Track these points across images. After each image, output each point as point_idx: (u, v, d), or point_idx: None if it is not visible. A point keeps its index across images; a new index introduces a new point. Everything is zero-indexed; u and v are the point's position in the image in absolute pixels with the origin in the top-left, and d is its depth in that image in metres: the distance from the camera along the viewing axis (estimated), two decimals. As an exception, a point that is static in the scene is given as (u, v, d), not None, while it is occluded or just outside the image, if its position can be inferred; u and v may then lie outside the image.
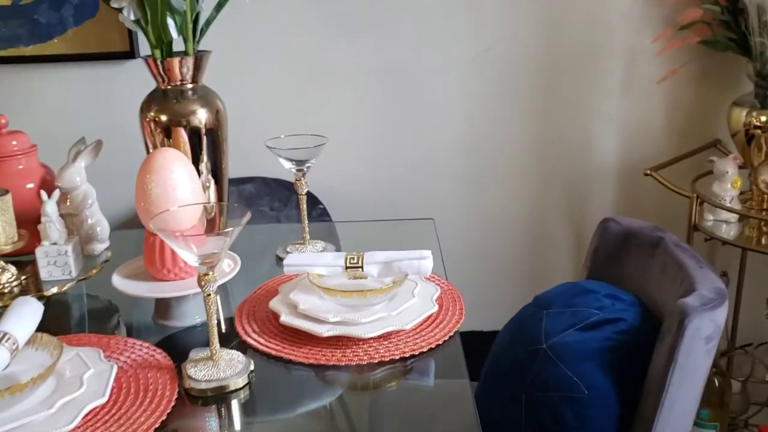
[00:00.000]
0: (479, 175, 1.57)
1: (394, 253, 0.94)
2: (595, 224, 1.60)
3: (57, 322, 0.96)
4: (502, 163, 1.56)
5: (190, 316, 0.96)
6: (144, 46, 1.47)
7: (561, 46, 1.48)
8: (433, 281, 0.99)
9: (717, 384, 1.35)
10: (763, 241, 1.35)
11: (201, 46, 1.08)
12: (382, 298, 0.89)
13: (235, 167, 1.23)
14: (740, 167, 1.36)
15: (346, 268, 0.94)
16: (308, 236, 1.14)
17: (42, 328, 0.81)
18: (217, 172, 1.12)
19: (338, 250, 1.16)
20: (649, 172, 1.36)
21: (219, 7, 1.08)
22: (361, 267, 0.94)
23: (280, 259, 1.10)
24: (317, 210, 1.45)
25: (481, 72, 1.50)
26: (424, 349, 0.82)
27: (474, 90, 1.51)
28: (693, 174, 1.43)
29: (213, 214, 0.85)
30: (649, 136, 1.53)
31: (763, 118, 1.34)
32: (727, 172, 1.30)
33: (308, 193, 1.49)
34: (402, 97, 1.51)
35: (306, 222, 1.13)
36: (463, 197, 1.58)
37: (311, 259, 0.97)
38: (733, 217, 1.34)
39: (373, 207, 1.56)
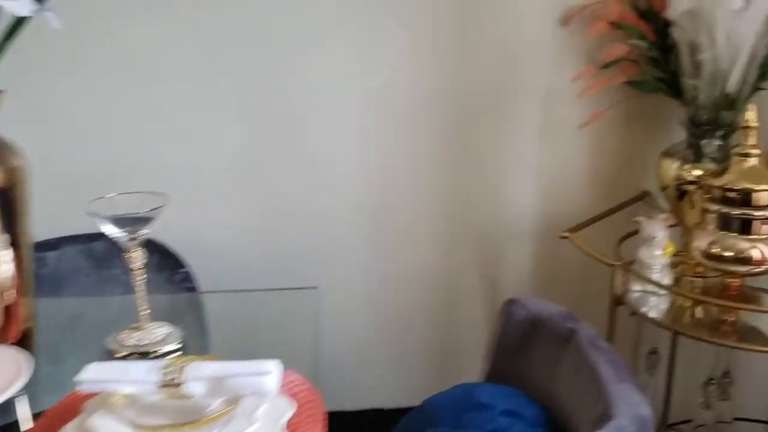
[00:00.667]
0: (378, 232, 1.34)
1: (228, 366, 0.70)
2: (511, 288, 1.41)
3: None
4: (404, 217, 1.34)
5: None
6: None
7: (471, 83, 1.28)
8: (291, 388, 0.76)
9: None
10: (698, 313, 1.16)
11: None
12: (213, 427, 0.67)
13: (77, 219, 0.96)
14: (672, 226, 1.18)
15: (162, 386, 0.71)
16: (146, 319, 0.90)
17: None
18: (17, 239, 0.87)
19: (202, 329, 0.95)
20: (566, 234, 1.16)
21: (10, 35, 0.83)
22: (182, 384, 0.70)
23: (106, 353, 0.87)
24: (179, 275, 1.20)
25: (377, 111, 1.28)
26: None
27: (370, 131, 1.29)
28: (621, 230, 1.25)
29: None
30: (572, 187, 1.34)
31: (697, 173, 1.16)
32: (656, 236, 1.11)
33: (168, 253, 1.25)
34: (285, 139, 1.28)
35: (144, 301, 0.89)
36: (360, 257, 1.36)
37: (115, 373, 0.72)
38: (664, 289, 1.15)
39: (252, 271, 1.32)
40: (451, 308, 1.41)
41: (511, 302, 0.95)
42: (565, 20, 1.23)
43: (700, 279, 1.20)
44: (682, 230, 1.22)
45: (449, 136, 1.31)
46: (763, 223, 1.02)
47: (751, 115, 1.02)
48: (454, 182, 1.34)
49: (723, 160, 1.15)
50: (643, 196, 1.32)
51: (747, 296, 1.10)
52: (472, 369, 1.12)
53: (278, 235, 1.33)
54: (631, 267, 1.13)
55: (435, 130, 1.30)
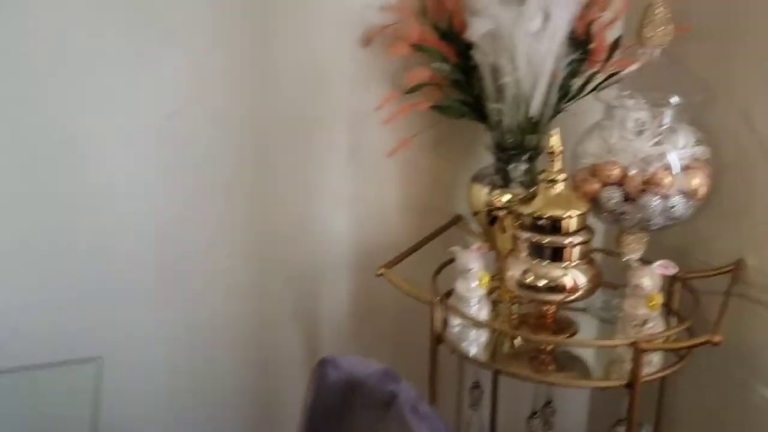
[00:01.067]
0: (175, 281, 1.17)
1: None
2: (330, 331, 1.30)
3: None
4: (205, 262, 1.18)
5: None
6: None
7: (272, 110, 1.15)
8: None
9: None
10: (517, 342, 1.13)
11: None
12: None
13: None
14: (487, 252, 1.13)
15: None
16: None
17: None
18: None
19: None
20: (381, 272, 1.07)
21: None
22: None
23: None
24: None
25: (167, 144, 1.11)
26: None
27: (159, 167, 1.12)
28: (438, 258, 1.18)
29: None
30: (385, 216, 1.26)
31: (506, 198, 1.12)
32: (471, 269, 1.06)
33: None
34: (58, 177, 1.07)
35: None
36: (155, 305, 1.18)
37: None
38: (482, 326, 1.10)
39: (24, 343, 1.09)
40: (267, 363, 1.27)
41: (323, 363, 0.83)
42: (366, 41, 1.15)
43: (516, 305, 1.17)
44: (496, 254, 1.19)
45: (251, 167, 1.18)
46: (574, 250, 1.00)
47: (555, 141, 0.99)
48: (260, 218, 1.20)
49: (531, 184, 1.13)
50: (456, 221, 1.28)
51: (563, 323, 1.08)
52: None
53: (53, 294, 1.11)
54: (447, 303, 1.07)
55: (235, 162, 1.16)
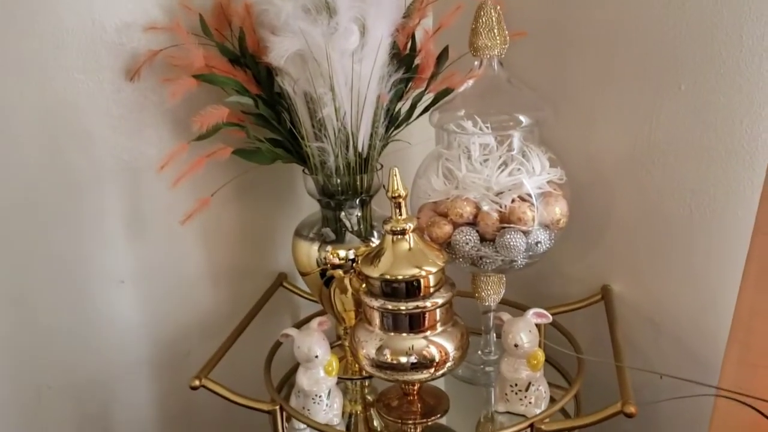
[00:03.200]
0: None
1: None
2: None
3: None
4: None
5: None
6: None
7: (11, 179, 0.83)
8: None
9: None
10: (378, 425, 0.92)
11: None
12: None
13: None
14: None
15: None
16: None
17: None
18: None
19: None
20: (198, 382, 0.80)
21: None
22: None
23: None
24: None
25: None
26: None
27: None
28: (268, 338, 0.94)
29: None
30: (190, 293, 0.98)
31: (343, 253, 0.91)
32: (316, 356, 0.83)
33: None
34: None
35: None
36: None
37: None
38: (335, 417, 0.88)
39: None
40: None
41: None
42: (131, 73, 0.86)
43: (370, 379, 0.97)
44: (336, 321, 0.98)
45: (4, 256, 0.84)
46: (437, 313, 0.81)
47: (397, 182, 0.79)
48: (20, 318, 0.87)
49: (367, 233, 0.93)
50: (280, 281, 1.04)
51: (431, 397, 0.89)
52: None
53: None
54: (293, 410, 0.83)
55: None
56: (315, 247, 0.92)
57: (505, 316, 0.86)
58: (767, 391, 0.61)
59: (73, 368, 0.93)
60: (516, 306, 1.00)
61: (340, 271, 0.91)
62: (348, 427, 0.92)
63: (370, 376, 0.96)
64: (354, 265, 0.91)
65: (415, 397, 0.88)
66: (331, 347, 0.86)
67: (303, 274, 0.96)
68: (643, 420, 0.97)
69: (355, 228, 0.92)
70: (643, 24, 0.87)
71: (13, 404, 0.90)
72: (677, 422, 0.94)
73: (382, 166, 0.90)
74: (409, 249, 0.80)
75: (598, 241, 0.99)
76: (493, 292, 0.95)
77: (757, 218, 0.69)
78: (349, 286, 0.93)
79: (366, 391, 0.98)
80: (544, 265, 1.00)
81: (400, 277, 0.79)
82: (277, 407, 0.80)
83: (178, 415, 1.01)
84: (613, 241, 0.97)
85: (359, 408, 0.95)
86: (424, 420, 0.85)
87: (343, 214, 0.91)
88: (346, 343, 0.98)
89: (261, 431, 0.93)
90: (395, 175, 0.79)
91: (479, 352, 0.99)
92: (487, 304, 0.95)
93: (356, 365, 0.98)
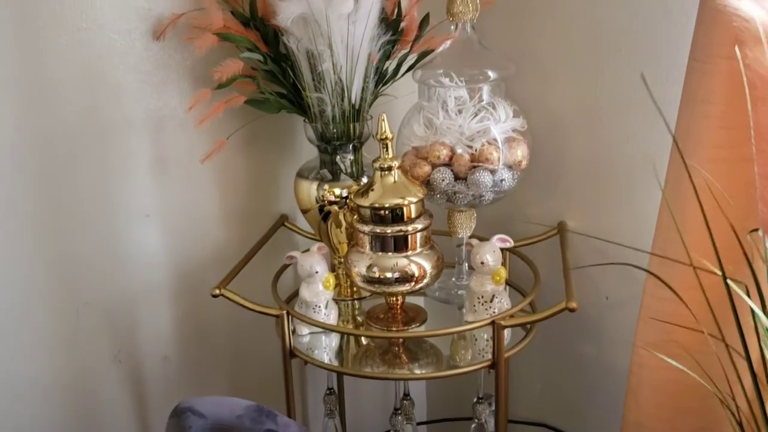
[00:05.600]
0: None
1: None
2: (157, 362, 1.16)
3: None
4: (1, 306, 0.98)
5: None
6: None
7: (55, 123, 0.97)
8: None
9: None
10: (364, 340, 1.09)
11: None
12: None
13: None
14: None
15: None
16: None
17: None
18: None
19: None
20: (218, 291, 0.96)
21: None
22: None
23: None
24: None
25: None
26: None
27: None
28: (268, 267, 1.10)
29: None
30: (206, 229, 1.14)
31: (338, 191, 1.07)
32: (317, 271, 0.99)
33: None
34: None
35: None
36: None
37: None
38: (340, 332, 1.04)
39: None
40: (90, 406, 1.09)
41: (180, 413, 0.71)
42: (158, 34, 1.01)
43: (359, 301, 1.13)
44: (332, 252, 1.13)
45: (39, 192, 0.99)
46: (417, 237, 0.97)
47: (385, 126, 0.95)
48: (59, 250, 1.02)
49: (359, 174, 1.08)
50: (282, 221, 1.20)
51: (412, 312, 1.05)
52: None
53: None
54: (297, 313, 0.99)
55: (21, 189, 0.97)
56: (314, 186, 1.08)
57: (474, 241, 1.03)
58: (683, 284, 0.76)
59: (105, 290, 1.07)
60: (485, 240, 1.17)
61: (335, 207, 1.07)
62: (341, 345, 1.08)
63: (361, 297, 1.13)
64: (347, 201, 1.06)
65: (399, 311, 1.04)
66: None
67: (304, 211, 1.12)
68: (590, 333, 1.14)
69: (349, 170, 1.08)
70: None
71: (56, 321, 1.04)
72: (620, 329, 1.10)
73: (371, 116, 1.06)
74: (394, 183, 0.96)
75: (555, 183, 1.15)
76: (465, 226, 1.11)
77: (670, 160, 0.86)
78: (342, 220, 1.08)
79: (356, 312, 1.14)
80: (509, 205, 1.17)
81: (387, 206, 0.95)
82: (284, 312, 0.96)
83: (193, 333, 1.16)
84: (568, 183, 1.14)
85: (351, 326, 1.11)
86: (406, 327, 1.02)
87: (338, 157, 1.07)
88: (340, 271, 1.13)
89: (264, 346, 1.09)
90: (383, 120, 0.95)
91: (453, 278, 1.15)
92: (460, 236, 1.11)
93: (348, 289, 1.14)
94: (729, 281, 0.60)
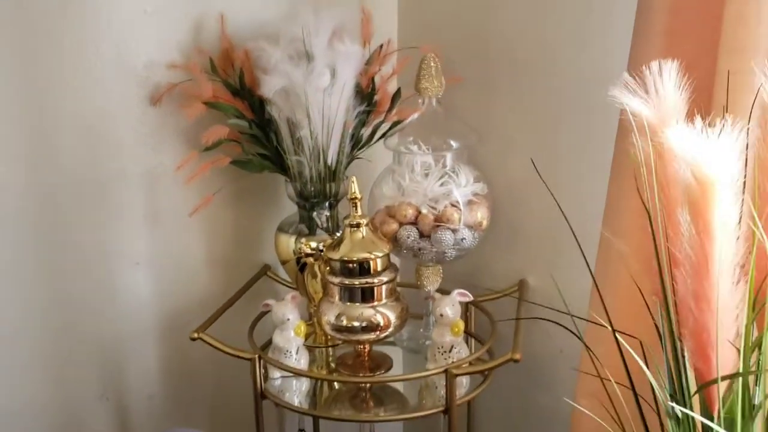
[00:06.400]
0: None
1: None
2: (141, 401, 1.23)
3: None
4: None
5: None
6: None
7: (57, 175, 1.08)
8: None
9: None
10: (338, 384, 1.17)
11: None
12: None
13: None
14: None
15: None
16: None
17: None
18: None
19: None
20: (196, 335, 1.05)
21: None
22: None
23: None
24: None
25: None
26: None
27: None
28: (249, 314, 1.19)
29: None
30: (191, 275, 1.23)
31: (314, 245, 1.16)
32: (288, 319, 1.08)
33: None
34: None
35: None
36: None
37: None
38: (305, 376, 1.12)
39: None
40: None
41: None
42: (155, 100, 1.13)
43: (332, 348, 1.21)
44: (308, 300, 1.22)
45: (40, 237, 1.09)
46: (382, 288, 1.06)
47: (354, 187, 1.05)
48: (54, 289, 1.11)
49: (334, 230, 1.18)
50: (264, 271, 1.29)
51: (378, 359, 1.14)
52: None
53: None
54: (268, 358, 1.08)
55: (21, 233, 1.07)
56: (292, 239, 1.18)
57: (437, 295, 1.12)
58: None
59: (97, 331, 1.16)
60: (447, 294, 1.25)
61: (311, 259, 1.17)
62: (314, 389, 1.16)
63: (334, 345, 1.21)
64: (322, 254, 1.16)
65: (366, 358, 1.13)
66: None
67: (283, 262, 1.21)
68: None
69: (325, 225, 1.18)
70: (549, 79, 1.15)
71: (48, 356, 1.13)
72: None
73: (347, 177, 1.16)
74: (362, 238, 1.06)
75: (516, 242, 1.24)
76: (432, 279, 1.20)
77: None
78: (318, 271, 1.18)
79: (330, 358, 1.22)
80: (475, 262, 1.26)
81: (354, 259, 1.05)
82: (256, 356, 1.05)
83: (178, 377, 1.24)
84: (529, 242, 1.23)
85: (324, 372, 1.19)
86: (372, 373, 1.10)
87: (315, 213, 1.17)
88: (316, 320, 1.22)
89: (243, 385, 1.17)
90: (353, 182, 1.05)
91: (421, 329, 1.23)
92: (427, 289, 1.20)
93: (323, 337, 1.22)
94: (619, 337, 0.68)
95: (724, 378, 0.55)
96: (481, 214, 1.13)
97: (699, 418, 0.57)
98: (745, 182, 0.57)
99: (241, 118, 1.11)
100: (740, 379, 0.56)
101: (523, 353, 0.98)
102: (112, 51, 1.08)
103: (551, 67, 1.16)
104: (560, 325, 0.82)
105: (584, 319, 0.86)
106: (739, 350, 0.55)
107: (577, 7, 1.13)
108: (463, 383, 1.08)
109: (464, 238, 1.12)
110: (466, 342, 1.16)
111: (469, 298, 1.11)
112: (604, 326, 0.78)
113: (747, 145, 0.54)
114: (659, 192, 0.58)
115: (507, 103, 1.22)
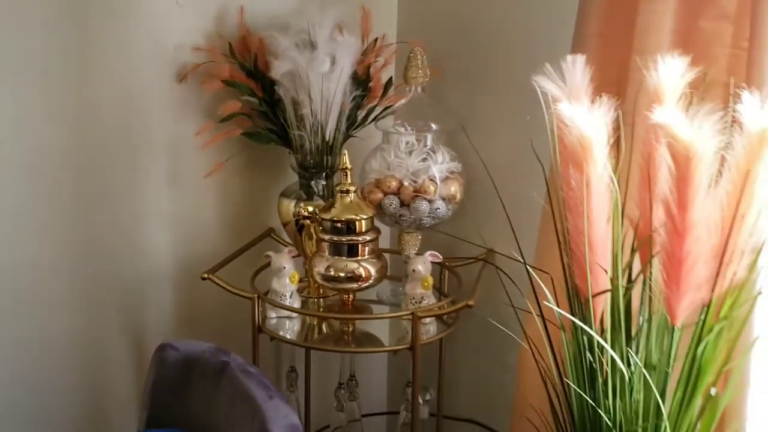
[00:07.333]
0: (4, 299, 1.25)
1: None
2: (158, 334, 1.43)
3: None
4: (32, 278, 1.27)
5: None
6: None
7: (96, 137, 1.28)
8: None
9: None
10: (324, 328, 1.35)
11: None
12: None
13: None
14: (296, 256, 1.35)
15: None
16: None
17: None
18: None
19: None
20: (206, 275, 1.24)
21: None
22: None
23: None
24: None
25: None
26: None
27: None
28: (254, 265, 1.37)
29: None
30: (204, 232, 1.43)
31: (311, 209, 1.35)
32: (284, 267, 1.27)
33: None
34: None
35: None
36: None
37: None
38: (295, 312, 1.31)
39: None
40: (99, 367, 1.37)
41: (163, 347, 0.99)
42: (181, 78, 1.32)
43: (323, 299, 1.40)
44: (304, 258, 1.41)
45: (78, 190, 1.29)
46: (365, 246, 1.25)
47: (346, 159, 1.24)
48: (87, 237, 1.31)
49: (329, 197, 1.37)
50: (268, 233, 1.48)
51: (360, 308, 1.32)
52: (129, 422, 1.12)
53: None
54: (266, 297, 1.27)
55: (61, 186, 1.27)
56: (293, 203, 1.36)
57: (413, 254, 1.30)
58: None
59: (122, 275, 1.36)
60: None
61: (308, 221, 1.36)
62: (306, 333, 1.35)
63: (324, 296, 1.40)
64: (317, 216, 1.34)
65: (350, 306, 1.31)
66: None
67: (284, 224, 1.40)
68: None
69: (321, 192, 1.37)
70: (527, 72, 1.32)
71: (80, 298, 1.33)
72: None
73: (345, 151, 1.34)
74: (350, 203, 1.25)
75: (487, 217, 1.42)
76: (411, 245, 1.38)
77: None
78: (313, 232, 1.36)
79: (321, 308, 1.40)
80: (452, 232, 1.44)
81: (343, 219, 1.23)
82: (256, 296, 1.24)
83: (189, 318, 1.44)
84: (498, 219, 1.41)
85: (315, 320, 1.38)
86: (354, 317, 1.29)
87: (313, 182, 1.36)
88: (308, 271, 1.40)
89: (242, 326, 1.35)
90: (344, 154, 1.24)
91: (401, 288, 1.41)
92: (406, 254, 1.38)
93: (315, 290, 1.41)
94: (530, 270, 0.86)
95: (594, 295, 0.73)
96: (454, 189, 1.31)
97: (579, 323, 0.75)
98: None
99: (253, 96, 1.31)
100: (609, 294, 0.73)
101: (491, 309, 1.16)
102: (149, 36, 1.28)
103: (532, 63, 1.32)
104: (507, 275, 1.00)
105: (529, 273, 1.04)
106: (606, 272, 0.73)
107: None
108: (430, 331, 1.26)
109: (438, 208, 1.30)
110: (438, 300, 1.34)
111: (440, 258, 1.29)
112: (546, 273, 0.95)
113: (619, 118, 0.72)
114: (560, 151, 0.76)
115: (486, 90, 1.39)
